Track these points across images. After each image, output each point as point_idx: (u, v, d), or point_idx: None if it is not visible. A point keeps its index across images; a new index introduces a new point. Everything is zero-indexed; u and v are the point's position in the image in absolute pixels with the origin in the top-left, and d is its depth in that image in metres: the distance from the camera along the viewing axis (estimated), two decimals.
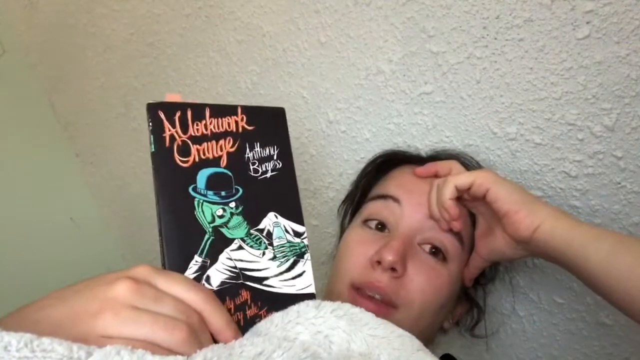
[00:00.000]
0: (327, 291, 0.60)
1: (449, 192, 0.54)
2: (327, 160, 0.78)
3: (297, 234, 0.48)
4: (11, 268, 0.94)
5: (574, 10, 0.53)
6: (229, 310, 0.42)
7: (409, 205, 0.57)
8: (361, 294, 0.54)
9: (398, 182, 0.61)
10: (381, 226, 0.58)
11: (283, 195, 0.48)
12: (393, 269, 0.53)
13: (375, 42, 0.67)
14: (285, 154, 0.49)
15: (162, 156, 0.42)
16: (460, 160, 0.62)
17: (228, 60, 0.81)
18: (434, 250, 0.56)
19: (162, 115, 0.43)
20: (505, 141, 0.63)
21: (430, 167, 0.60)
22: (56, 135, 1.08)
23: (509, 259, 0.57)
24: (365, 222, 0.59)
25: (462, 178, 0.54)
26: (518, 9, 0.56)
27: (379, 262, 0.53)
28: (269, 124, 0.49)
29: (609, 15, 0.52)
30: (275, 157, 0.48)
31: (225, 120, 0.46)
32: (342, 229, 0.70)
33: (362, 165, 0.74)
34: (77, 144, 1.08)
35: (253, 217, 0.45)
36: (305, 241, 0.48)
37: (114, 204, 1.11)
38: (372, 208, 0.60)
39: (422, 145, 0.69)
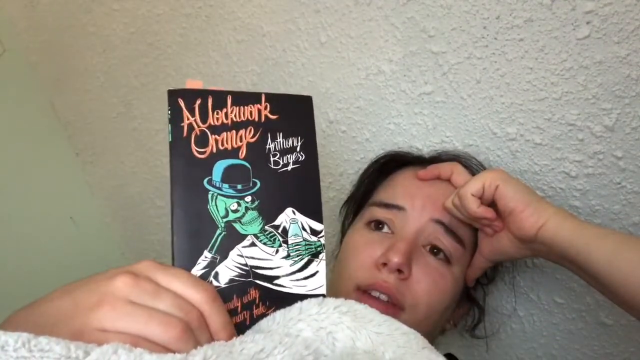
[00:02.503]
0: (330, 293, 0.60)
1: (472, 204, 0.53)
2: (327, 160, 0.78)
3: (315, 232, 0.45)
4: (10, 267, 0.94)
5: (574, 10, 0.53)
6: (236, 308, 0.41)
7: (413, 210, 0.58)
8: (367, 296, 0.54)
9: (401, 188, 0.61)
10: (385, 227, 0.58)
11: (303, 190, 0.45)
12: (399, 271, 0.53)
13: (376, 42, 0.67)
14: (310, 146, 0.46)
15: (178, 146, 0.41)
16: (462, 162, 0.62)
17: (228, 60, 0.81)
18: (436, 251, 0.56)
19: (181, 103, 0.42)
20: (505, 141, 0.63)
21: (432, 170, 0.60)
22: (56, 135, 1.07)
23: (512, 259, 0.58)
24: (369, 224, 0.59)
25: (473, 185, 0.53)
26: (518, 9, 0.56)
27: (385, 264, 0.53)
28: (293, 113, 0.46)
29: (609, 16, 0.52)
30: (298, 149, 0.45)
31: (248, 108, 0.44)
32: (344, 229, 0.70)
33: (362, 165, 0.74)
34: (77, 143, 1.08)
35: (269, 213, 0.44)
36: (322, 240, 0.45)
37: (114, 204, 1.10)
38: (375, 212, 0.60)
39: (422, 145, 0.69)
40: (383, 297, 0.53)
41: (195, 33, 0.82)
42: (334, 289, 0.58)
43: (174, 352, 0.33)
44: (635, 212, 0.59)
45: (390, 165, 0.67)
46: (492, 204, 0.54)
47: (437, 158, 0.65)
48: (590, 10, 0.53)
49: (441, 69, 0.63)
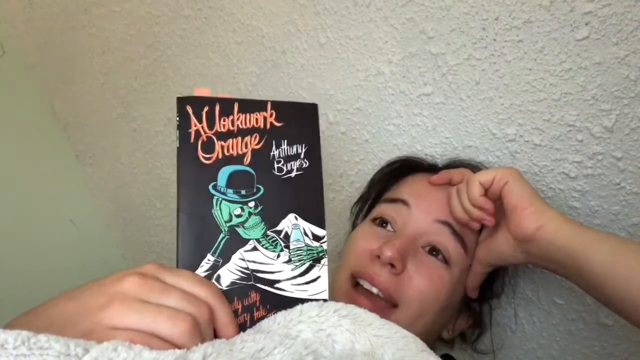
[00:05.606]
0: (331, 287, 0.60)
1: (477, 190, 0.54)
2: (326, 161, 0.78)
3: (317, 238, 0.46)
4: (10, 269, 0.94)
5: (573, 11, 0.54)
6: (237, 310, 0.42)
7: (418, 209, 0.58)
8: (359, 290, 0.54)
9: (410, 188, 0.62)
10: (387, 224, 0.59)
11: (306, 196, 0.46)
12: (392, 265, 0.53)
13: (375, 44, 0.67)
14: (313, 153, 0.47)
15: (185, 152, 0.43)
16: (474, 170, 0.62)
17: (227, 61, 0.81)
18: (435, 252, 0.56)
19: (189, 110, 0.43)
20: (504, 142, 0.63)
21: (444, 175, 0.60)
22: (56, 136, 1.07)
23: (506, 262, 0.57)
24: (374, 220, 0.60)
25: (484, 175, 0.55)
26: (517, 10, 0.56)
27: (378, 257, 0.54)
28: (298, 120, 0.47)
29: (607, 17, 0.52)
30: (302, 156, 0.47)
31: (254, 116, 0.45)
32: (354, 229, 0.70)
33: (361, 167, 0.75)
34: (77, 144, 1.08)
35: (272, 218, 0.45)
36: (324, 246, 0.46)
37: (114, 205, 1.10)
38: (382, 209, 0.61)
39: (422, 146, 0.69)
40: (374, 290, 0.54)
41: (194, 35, 0.82)
42: (333, 280, 0.59)
43: (181, 347, 0.34)
44: (634, 212, 0.59)
45: (402, 169, 0.67)
46: (497, 202, 0.55)
47: (451, 166, 0.65)
48: (589, 11, 0.53)
49: (440, 70, 0.63)
